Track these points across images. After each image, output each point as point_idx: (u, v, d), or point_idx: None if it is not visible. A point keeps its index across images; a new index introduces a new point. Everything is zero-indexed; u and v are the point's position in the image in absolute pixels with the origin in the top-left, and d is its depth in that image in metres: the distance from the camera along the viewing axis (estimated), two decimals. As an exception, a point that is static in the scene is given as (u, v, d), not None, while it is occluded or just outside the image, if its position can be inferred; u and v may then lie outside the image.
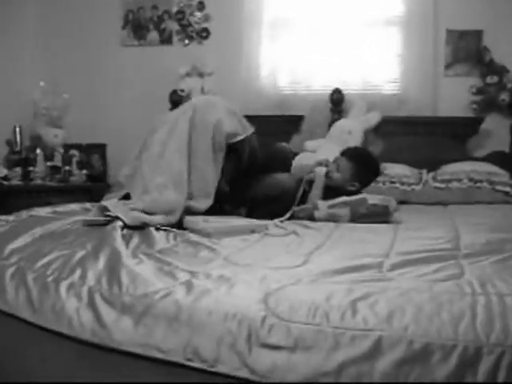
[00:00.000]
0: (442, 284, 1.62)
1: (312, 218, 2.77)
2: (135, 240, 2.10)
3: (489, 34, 4.09)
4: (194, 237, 2.23)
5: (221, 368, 1.39)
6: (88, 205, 3.04)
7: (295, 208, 2.82)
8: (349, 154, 3.08)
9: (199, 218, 2.54)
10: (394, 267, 1.82)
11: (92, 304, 1.57)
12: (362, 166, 3.03)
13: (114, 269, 1.70)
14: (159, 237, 2.19)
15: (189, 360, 1.42)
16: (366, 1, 4.21)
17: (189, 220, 2.52)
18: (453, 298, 1.48)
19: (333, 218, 2.73)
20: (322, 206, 2.80)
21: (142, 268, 1.72)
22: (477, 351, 1.29)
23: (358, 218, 2.72)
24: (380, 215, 2.74)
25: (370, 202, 2.78)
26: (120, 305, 1.52)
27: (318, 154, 3.78)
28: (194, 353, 1.41)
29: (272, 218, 2.69)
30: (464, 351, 1.29)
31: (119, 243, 1.99)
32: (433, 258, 1.95)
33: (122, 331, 1.48)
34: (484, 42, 4.09)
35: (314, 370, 1.34)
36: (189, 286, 1.56)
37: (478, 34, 4.09)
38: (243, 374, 1.37)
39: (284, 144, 3.28)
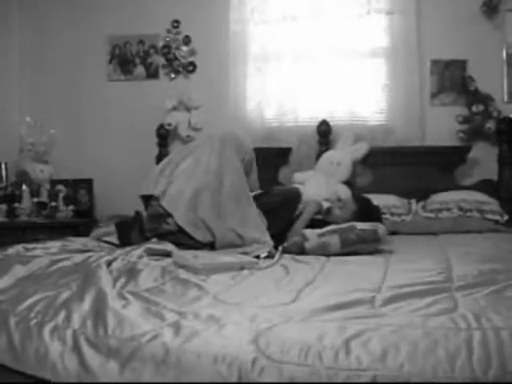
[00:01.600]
0: (435, 319, 1.59)
1: (302, 250, 2.74)
2: (122, 279, 2.05)
3: (473, 63, 4.12)
4: (182, 274, 2.18)
5: (211, 413, 1.34)
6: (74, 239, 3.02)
7: (285, 244, 2.80)
8: (357, 198, 3.21)
9: (188, 254, 2.51)
10: (386, 302, 1.79)
11: (77, 348, 1.51)
12: (366, 210, 3.12)
13: (99, 311, 1.64)
14: (146, 275, 2.14)
15: (178, 407, 1.37)
16: (351, 33, 4.23)
17: (178, 255, 2.48)
18: (448, 333, 1.45)
19: (323, 248, 2.71)
20: (312, 236, 2.77)
21: (128, 309, 1.67)
22: (475, 389, 1.25)
23: (348, 245, 2.70)
24: (370, 241, 2.73)
25: (359, 227, 2.76)
26: (106, 348, 1.47)
27: (306, 185, 3.76)
28: (183, 399, 1.37)
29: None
30: (462, 390, 1.26)
31: (105, 282, 1.94)
32: (425, 291, 1.92)
33: (108, 376, 1.43)
34: (468, 71, 4.12)
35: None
36: (177, 327, 1.51)
37: (463, 63, 4.13)
38: (234, 419, 1.32)
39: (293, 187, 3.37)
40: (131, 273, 2.15)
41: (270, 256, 2.64)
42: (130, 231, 2.96)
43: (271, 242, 2.83)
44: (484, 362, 1.30)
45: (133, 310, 1.66)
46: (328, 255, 2.67)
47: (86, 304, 1.72)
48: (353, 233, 2.74)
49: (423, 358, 1.32)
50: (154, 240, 2.82)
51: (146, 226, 2.91)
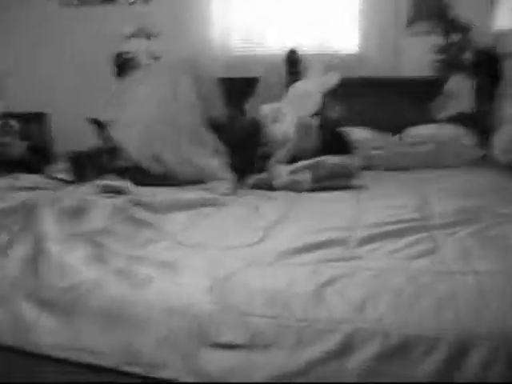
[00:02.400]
0: (418, 261, 1.43)
1: (272, 187, 2.55)
2: (67, 219, 1.82)
3: (452, -11, 3.88)
4: (136, 213, 1.95)
5: (163, 373, 1.16)
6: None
7: (251, 180, 2.61)
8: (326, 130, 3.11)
9: (146, 190, 2.29)
10: (361, 242, 1.61)
11: (11, 299, 1.32)
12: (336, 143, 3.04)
13: (36, 256, 1.43)
14: (96, 214, 1.91)
15: (126, 364, 1.19)
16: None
17: (134, 192, 2.26)
18: (433, 278, 1.28)
19: (294, 185, 2.53)
20: (282, 173, 2.58)
21: (70, 254, 1.45)
22: (464, 345, 1.09)
23: (319, 181, 2.53)
24: (342, 176, 2.57)
25: (330, 161, 2.58)
26: (41, 300, 1.27)
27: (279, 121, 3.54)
28: (131, 356, 1.18)
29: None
30: (449, 345, 1.10)
31: (47, 224, 1.71)
32: (404, 229, 1.75)
33: (45, 332, 1.24)
34: (446, -2, 3.88)
35: (277, 370, 1.13)
36: (125, 274, 1.32)
37: (442, -11, 3.88)
38: (190, 378, 1.15)
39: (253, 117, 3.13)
40: (78, 212, 1.92)
41: (231, 193, 2.45)
42: (85, 166, 2.74)
43: (231, 177, 2.63)
44: (476, 313, 1.14)
45: (75, 256, 1.44)
46: (299, 191, 2.49)
47: (24, 249, 1.50)
48: (324, 168, 2.56)
49: (406, 309, 1.16)
50: (111, 176, 2.59)
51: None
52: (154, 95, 2.83)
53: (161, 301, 1.21)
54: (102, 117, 2.82)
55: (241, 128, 2.98)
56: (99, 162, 2.77)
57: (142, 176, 2.56)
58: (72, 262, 1.39)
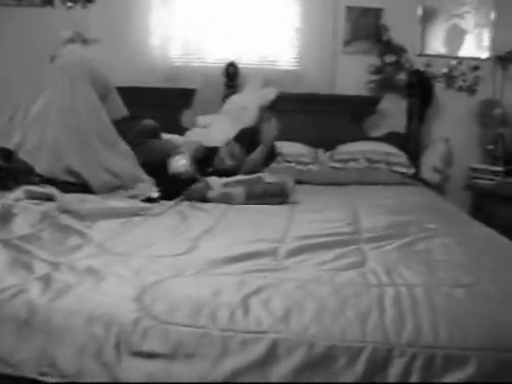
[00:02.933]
0: (344, 273, 1.45)
1: (204, 199, 2.53)
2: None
3: (389, 13, 3.98)
4: (64, 219, 1.92)
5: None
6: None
7: (186, 191, 2.56)
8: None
9: (75, 197, 2.24)
10: (290, 254, 1.63)
11: None
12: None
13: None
14: (22, 220, 1.86)
15: (43, 374, 1.15)
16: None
17: (61, 199, 2.20)
18: (358, 290, 1.31)
19: (227, 199, 2.50)
20: (216, 185, 2.57)
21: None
22: (387, 353, 1.11)
23: (253, 198, 2.51)
24: (276, 195, 2.54)
25: (267, 180, 2.59)
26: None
27: (210, 129, 3.53)
28: (50, 365, 1.14)
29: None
30: (372, 354, 1.11)
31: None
32: (332, 242, 1.78)
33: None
34: (384, 20, 3.98)
35: (198, 380, 1.11)
36: (47, 281, 1.28)
37: (378, 12, 3.98)
38: (109, 388, 1.12)
39: (150, 120, 3.06)
40: (4, 218, 1.86)
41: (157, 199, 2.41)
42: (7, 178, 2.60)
43: (149, 179, 2.59)
44: (397, 324, 1.16)
45: (-1, 261, 1.40)
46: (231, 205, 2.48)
47: None
48: (259, 186, 2.56)
49: (331, 319, 1.17)
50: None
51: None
52: (54, 104, 2.65)
53: (82, 308, 1.18)
54: (8, 144, 2.60)
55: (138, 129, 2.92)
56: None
57: (64, 187, 2.44)
58: (-7, 267, 1.34)
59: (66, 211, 2.05)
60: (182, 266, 1.43)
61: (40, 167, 2.48)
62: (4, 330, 1.18)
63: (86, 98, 2.67)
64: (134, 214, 2.08)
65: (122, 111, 2.95)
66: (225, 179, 2.63)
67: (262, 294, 1.24)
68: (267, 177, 2.64)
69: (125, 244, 1.64)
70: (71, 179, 2.49)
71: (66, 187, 2.40)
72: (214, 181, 2.63)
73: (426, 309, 1.22)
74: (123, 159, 2.62)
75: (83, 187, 2.45)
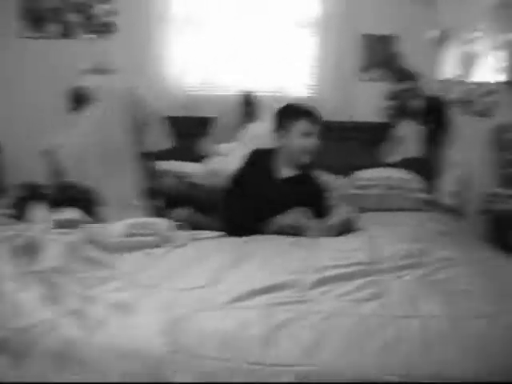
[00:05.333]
0: (367, 304, 1.48)
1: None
2: (21, 257, 1.80)
3: (404, 40, 4.03)
4: (90, 251, 1.96)
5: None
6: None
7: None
8: None
9: (100, 226, 2.29)
10: (314, 285, 1.66)
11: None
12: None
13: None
14: (50, 252, 1.90)
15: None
16: (282, 1, 4.04)
17: (88, 228, 2.24)
18: (382, 321, 1.33)
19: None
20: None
21: (25, 293, 1.45)
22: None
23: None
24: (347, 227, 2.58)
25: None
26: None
27: (230, 157, 3.58)
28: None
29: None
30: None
31: (5, 260, 1.70)
32: (353, 273, 1.81)
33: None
34: (399, 48, 4.04)
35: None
36: (79, 315, 1.32)
37: (393, 39, 4.04)
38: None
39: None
40: (32, 250, 1.91)
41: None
42: (30, 199, 2.73)
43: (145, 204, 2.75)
44: (423, 355, 1.19)
45: (30, 295, 1.44)
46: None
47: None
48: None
49: (357, 351, 1.20)
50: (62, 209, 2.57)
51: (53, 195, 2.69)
52: (92, 118, 2.94)
53: (113, 343, 1.22)
54: (51, 144, 2.87)
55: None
56: (47, 195, 2.76)
57: (90, 205, 2.57)
58: (26, 301, 1.39)
59: (92, 241, 2.10)
60: (208, 298, 1.46)
61: (68, 166, 2.77)
62: (39, 364, 1.22)
63: (117, 119, 2.92)
64: (158, 245, 2.12)
65: (163, 144, 3.09)
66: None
67: (290, 327, 1.28)
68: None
69: (151, 276, 1.69)
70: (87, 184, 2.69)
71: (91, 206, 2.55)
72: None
73: (451, 341, 1.24)
74: (121, 179, 2.80)
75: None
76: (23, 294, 1.45)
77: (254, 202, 2.61)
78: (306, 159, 2.75)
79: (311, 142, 2.71)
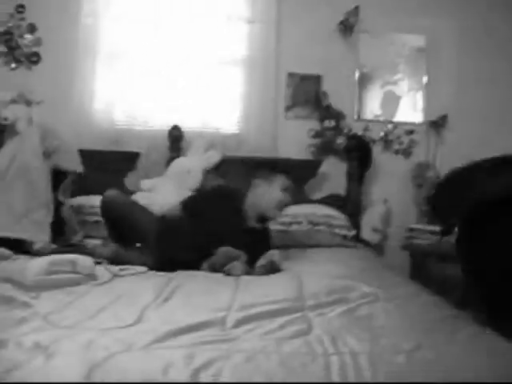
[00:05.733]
0: (290, 342, 1.49)
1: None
2: None
3: (328, 79, 4.18)
4: (8, 290, 1.89)
5: None
6: None
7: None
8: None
9: (16, 263, 2.22)
10: (238, 323, 1.66)
11: None
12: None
13: None
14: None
15: None
16: (209, 40, 4.09)
17: (2, 266, 2.17)
18: (304, 360, 1.35)
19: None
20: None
21: None
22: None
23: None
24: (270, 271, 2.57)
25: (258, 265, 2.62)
26: None
27: (154, 192, 3.56)
28: None
29: None
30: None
31: None
32: (277, 310, 1.82)
33: None
34: (323, 87, 4.17)
35: None
36: (-8, 358, 1.26)
37: (318, 78, 4.17)
38: None
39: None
40: None
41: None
42: None
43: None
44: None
45: None
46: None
47: None
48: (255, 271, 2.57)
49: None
50: None
51: None
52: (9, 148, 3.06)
53: (31, 387, 1.17)
54: None
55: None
56: None
57: None
58: None
59: (7, 280, 2.03)
60: (131, 339, 1.44)
61: None
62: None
63: (31, 146, 3.07)
64: (79, 283, 2.07)
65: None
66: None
67: (212, 368, 1.27)
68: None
69: (72, 316, 1.64)
70: None
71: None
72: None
73: (370, 376, 1.27)
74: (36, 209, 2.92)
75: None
76: None
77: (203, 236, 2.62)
78: None
79: None
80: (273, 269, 2.56)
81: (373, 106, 4.29)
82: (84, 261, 2.18)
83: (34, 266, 2.06)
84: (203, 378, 1.22)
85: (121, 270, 2.36)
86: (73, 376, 1.19)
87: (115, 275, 2.27)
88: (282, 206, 2.95)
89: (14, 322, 1.56)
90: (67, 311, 1.71)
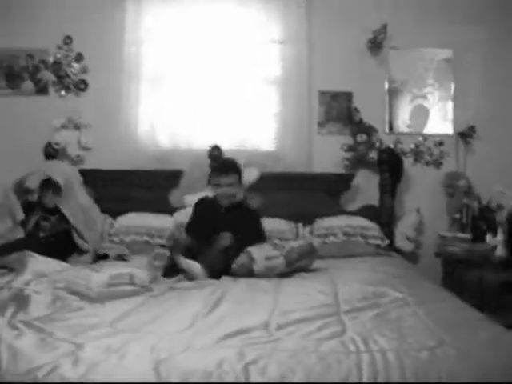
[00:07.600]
0: (327, 343, 1.69)
1: (251, 273, 2.81)
2: (10, 307, 1.99)
3: (358, 95, 4.37)
4: (75, 301, 2.15)
5: None
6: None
7: (234, 265, 2.85)
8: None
9: (78, 276, 2.46)
10: (280, 327, 1.87)
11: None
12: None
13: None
14: (36, 302, 2.09)
15: None
16: (245, 61, 4.32)
17: (68, 279, 2.42)
18: (339, 357, 1.54)
19: (270, 271, 2.83)
20: (259, 259, 2.85)
21: (21, 340, 1.63)
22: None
23: (291, 263, 2.90)
24: (309, 253, 2.99)
25: (295, 245, 2.99)
26: (0, 384, 1.43)
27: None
28: None
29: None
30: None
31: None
32: (315, 315, 2.02)
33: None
34: (354, 102, 4.36)
35: None
36: (75, 358, 1.50)
37: (348, 95, 4.36)
38: None
39: None
40: (20, 300, 2.09)
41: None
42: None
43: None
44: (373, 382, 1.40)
45: (26, 342, 1.62)
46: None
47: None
48: (294, 252, 2.92)
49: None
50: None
51: None
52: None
53: (110, 381, 1.40)
54: None
55: None
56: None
57: None
58: (25, 348, 1.56)
59: (73, 293, 2.28)
60: (188, 341, 1.65)
61: None
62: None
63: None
64: (137, 294, 2.31)
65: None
66: (265, 252, 2.90)
67: (259, 363, 1.48)
68: (294, 243, 3.08)
69: (134, 323, 1.87)
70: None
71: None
72: (256, 253, 2.90)
73: (397, 370, 1.46)
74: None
75: None
76: (19, 341, 1.62)
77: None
78: (224, 203, 3.36)
79: (222, 190, 3.34)
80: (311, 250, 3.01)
81: (403, 120, 4.45)
82: (141, 274, 2.42)
83: (96, 280, 2.31)
84: (253, 370, 1.43)
85: (172, 283, 2.61)
86: (144, 371, 1.42)
87: (169, 288, 2.50)
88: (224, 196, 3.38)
89: (85, 328, 1.80)
90: (129, 318, 1.94)
